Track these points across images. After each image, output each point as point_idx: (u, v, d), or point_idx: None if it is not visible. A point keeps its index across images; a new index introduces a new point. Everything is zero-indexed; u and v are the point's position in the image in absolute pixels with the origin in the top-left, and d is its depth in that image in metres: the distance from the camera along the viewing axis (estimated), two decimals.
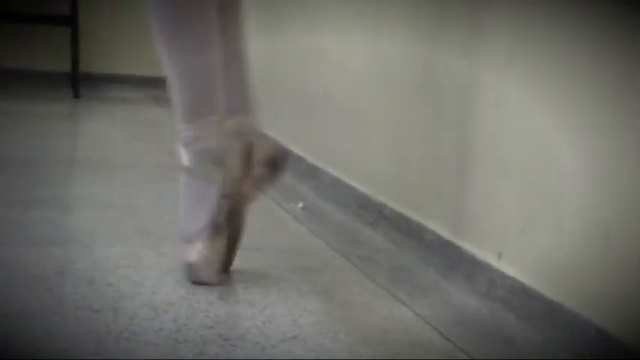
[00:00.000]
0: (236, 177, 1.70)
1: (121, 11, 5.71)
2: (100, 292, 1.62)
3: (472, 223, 1.89)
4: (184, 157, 1.67)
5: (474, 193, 1.89)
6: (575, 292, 1.54)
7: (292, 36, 3.18)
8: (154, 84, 5.66)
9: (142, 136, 3.78)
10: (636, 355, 1.37)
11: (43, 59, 5.12)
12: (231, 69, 1.77)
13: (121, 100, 5.17)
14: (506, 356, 1.52)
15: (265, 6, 3.54)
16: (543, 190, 1.64)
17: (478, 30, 1.89)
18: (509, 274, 1.73)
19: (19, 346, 1.35)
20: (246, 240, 1.96)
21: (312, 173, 2.78)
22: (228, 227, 1.77)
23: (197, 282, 1.71)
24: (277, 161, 1.80)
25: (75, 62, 4.78)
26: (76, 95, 4.66)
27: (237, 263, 1.85)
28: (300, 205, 2.53)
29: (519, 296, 1.68)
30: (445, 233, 1.99)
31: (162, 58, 1.65)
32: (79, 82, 4.71)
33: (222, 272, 1.76)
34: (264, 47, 3.48)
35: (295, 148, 2.96)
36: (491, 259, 1.79)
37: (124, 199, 2.44)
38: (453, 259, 1.93)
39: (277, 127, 3.23)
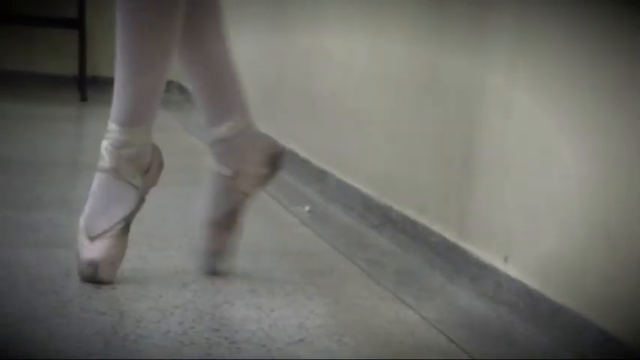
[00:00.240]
0: (151, 186, 1.74)
1: None
2: (106, 295, 1.62)
3: (478, 226, 1.89)
4: (109, 157, 1.67)
5: (479, 195, 1.89)
6: (577, 293, 1.54)
7: (294, 37, 3.18)
8: None
9: None
10: (637, 355, 1.36)
11: (50, 62, 5.11)
12: (220, 75, 1.79)
13: None
14: (512, 359, 1.51)
15: (265, 6, 3.54)
16: (547, 192, 1.64)
17: (480, 30, 1.88)
18: (515, 277, 1.73)
19: (24, 348, 1.35)
20: (252, 243, 1.96)
21: (317, 176, 2.78)
22: (228, 225, 1.78)
23: (93, 280, 1.65)
24: (275, 159, 1.82)
25: (82, 65, 4.77)
26: (83, 98, 4.65)
27: (242, 266, 1.85)
28: (307, 208, 2.53)
29: (525, 299, 1.68)
30: (451, 236, 1.99)
31: (117, 59, 1.66)
32: (86, 85, 4.69)
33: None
34: (265, 48, 3.48)
35: (299, 151, 2.96)
36: (498, 262, 1.79)
37: None
38: (459, 262, 1.93)
39: (279, 128, 3.22)
